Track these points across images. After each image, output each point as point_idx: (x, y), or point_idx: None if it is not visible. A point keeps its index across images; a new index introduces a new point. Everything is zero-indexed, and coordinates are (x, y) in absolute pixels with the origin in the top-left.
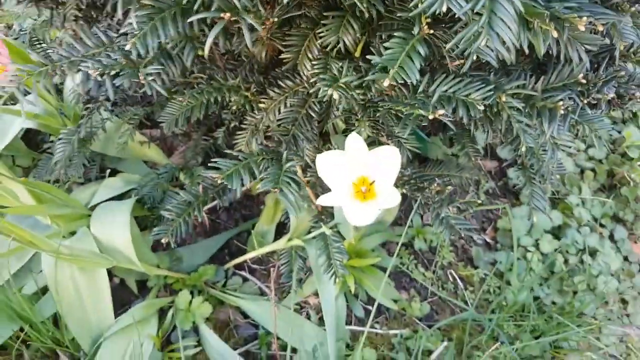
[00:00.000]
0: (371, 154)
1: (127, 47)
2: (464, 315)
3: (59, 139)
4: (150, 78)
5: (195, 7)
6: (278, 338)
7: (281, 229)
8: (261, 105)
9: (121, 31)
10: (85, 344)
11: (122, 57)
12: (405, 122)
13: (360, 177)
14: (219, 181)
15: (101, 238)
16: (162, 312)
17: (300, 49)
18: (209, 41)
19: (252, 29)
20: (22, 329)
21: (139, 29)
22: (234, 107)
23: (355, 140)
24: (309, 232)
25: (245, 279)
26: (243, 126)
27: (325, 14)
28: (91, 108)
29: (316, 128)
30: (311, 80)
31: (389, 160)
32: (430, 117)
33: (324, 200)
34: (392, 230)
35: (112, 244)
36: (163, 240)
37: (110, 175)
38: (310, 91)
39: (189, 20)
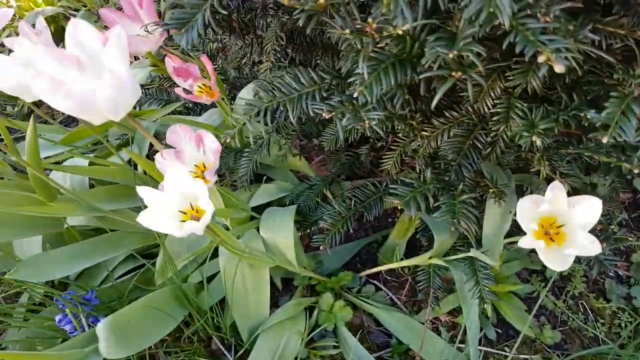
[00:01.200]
0: (571, 203)
1: (355, 95)
2: (602, 349)
3: (244, 156)
4: (373, 122)
5: (427, 64)
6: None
7: (410, 243)
8: (424, 133)
9: (348, 80)
10: (244, 333)
11: (347, 102)
12: (605, 171)
13: (546, 219)
14: (399, 207)
15: (268, 239)
16: (306, 311)
17: (482, 88)
18: (438, 96)
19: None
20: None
21: (362, 80)
22: (400, 134)
23: (557, 189)
24: (447, 254)
25: (377, 288)
26: (392, 147)
27: (515, 59)
28: (270, 130)
29: (480, 158)
30: (494, 118)
31: (589, 210)
32: (636, 170)
33: (524, 243)
34: (529, 257)
35: (276, 245)
36: (321, 248)
37: (265, 181)
38: (492, 128)
39: (421, 76)
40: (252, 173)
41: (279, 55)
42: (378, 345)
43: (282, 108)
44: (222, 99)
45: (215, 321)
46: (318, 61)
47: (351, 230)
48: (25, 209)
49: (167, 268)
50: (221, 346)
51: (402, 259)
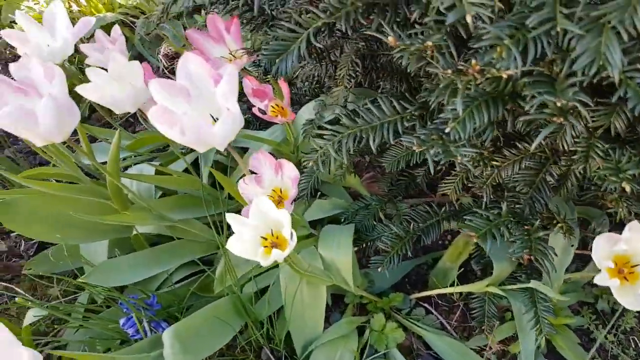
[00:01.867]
0: None
1: (447, 130)
2: None
3: (305, 173)
4: (465, 159)
5: (529, 107)
6: None
7: (461, 267)
8: (494, 162)
9: (439, 115)
10: (299, 346)
11: (437, 136)
12: None
13: (621, 257)
14: (474, 240)
15: (326, 258)
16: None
17: (562, 126)
18: (539, 139)
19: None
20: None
21: (455, 116)
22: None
23: (635, 230)
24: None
25: (427, 311)
26: (453, 172)
27: (599, 100)
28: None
29: (551, 192)
30: (574, 157)
31: None
32: None
33: (600, 280)
34: (583, 290)
35: (335, 264)
36: (379, 269)
37: (319, 197)
38: (566, 164)
39: (520, 119)
40: (311, 188)
41: (352, 80)
42: None
43: (363, 136)
44: None
45: (269, 332)
46: (385, 84)
47: (409, 253)
48: (105, 218)
49: (226, 277)
50: (272, 357)
51: (453, 284)
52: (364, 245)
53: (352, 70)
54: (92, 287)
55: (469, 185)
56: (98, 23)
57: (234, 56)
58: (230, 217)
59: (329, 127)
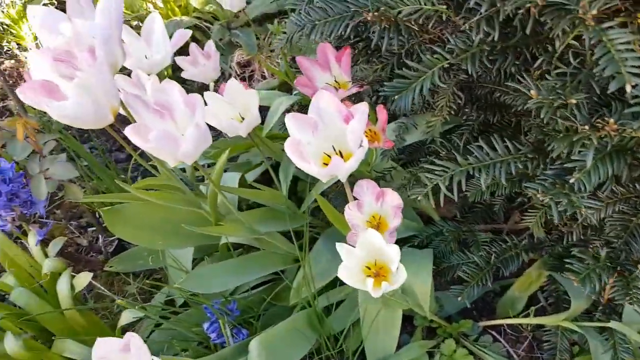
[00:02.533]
0: None
1: (572, 181)
2: None
3: None
4: (590, 212)
5: None
6: None
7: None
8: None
9: (564, 164)
10: None
11: (559, 185)
12: None
13: None
14: (575, 284)
15: (405, 282)
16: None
17: None
18: None
19: None
20: None
21: (580, 167)
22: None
23: None
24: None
25: (495, 339)
26: (537, 206)
27: None
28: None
29: None
30: None
31: None
32: None
33: None
34: None
35: (412, 289)
36: (459, 299)
37: None
38: None
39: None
40: None
41: (452, 112)
42: None
43: (476, 174)
44: None
45: (340, 347)
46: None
47: (489, 284)
48: (208, 229)
49: (302, 289)
50: None
51: (520, 313)
52: (442, 271)
53: (453, 102)
54: (180, 290)
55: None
56: (175, 26)
57: (338, 84)
58: (339, 247)
59: (438, 162)
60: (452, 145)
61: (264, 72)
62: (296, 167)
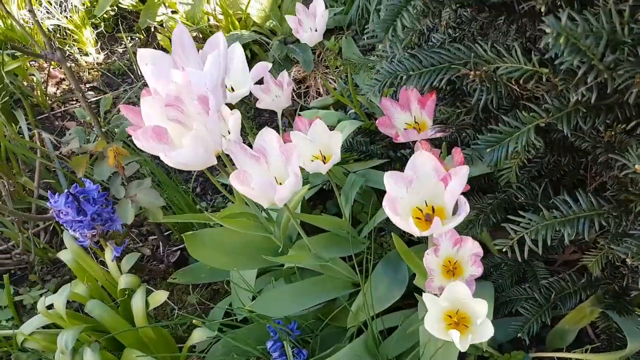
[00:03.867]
0: None
1: None
2: None
3: None
4: None
5: None
6: None
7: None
8: None
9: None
10: None
11: None
12: None
13: None
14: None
15: None
16: None
17: None
18: None
19: None
20: None
21: None
22: None
23: None
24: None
25: None
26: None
27: None
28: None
29: None
30: None
31: None
32: None
33: None
34: None
35: None
36: (519, 335)
37: None
38: None
39: None
40: None
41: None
42: None
43: (560, 229)
44: None
45: None
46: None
47: (548, 322)
48: (280, 259)
49: (359, 314)
50: None
51: (570, 346)
52: (500, 306)
53: (532, 147)
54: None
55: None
56: (235, 39)
57: (417, 124)
58: (425, 297)
59: (525, 214)
60: (532, 192)
61: (319, 89)
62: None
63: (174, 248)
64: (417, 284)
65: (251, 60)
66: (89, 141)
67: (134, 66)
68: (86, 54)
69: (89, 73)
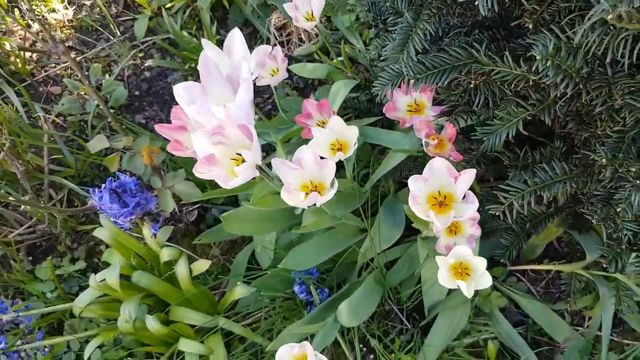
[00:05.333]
0: None
1: (618, 210)
2: None
3: None
4: (630, 233)
5: None
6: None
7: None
8: None
9: None
10: (426, 309)
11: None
12: None
13: None
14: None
15: None
16: None
17: None
18: None
19: None
20: None
21: None
22: None
23: None
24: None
25: (518, 279)
26: None
27: None
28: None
29: None
30: None
31: None
32: None
33: None
34: None
35: None
36: (501, 261)
37: None
38: None
39: None
40: None
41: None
42: (515, 322)
43: (541, 193)
44: None
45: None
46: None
47: (524, 247)
48: (308, 227)
49: (366, 254)
50: (402, 317)
51: (539, 258)
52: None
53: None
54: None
55: None
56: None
57: (417, 105)
58: (438, 259)
59: (511, 183)
60: (513, 154)
61: (300, 35)
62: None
63: (191, 208)
64: (415, 226)
65: (227, 10)
66: (84, 108)
67: (107, 19)
68: (54, 11)
69: (61, 32)
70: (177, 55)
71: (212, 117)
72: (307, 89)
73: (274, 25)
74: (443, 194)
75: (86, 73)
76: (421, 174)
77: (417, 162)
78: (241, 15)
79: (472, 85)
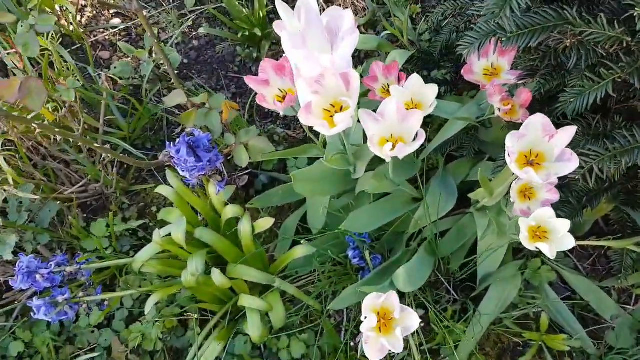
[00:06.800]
0: None
1: None
2: None
3: None
4: None
5: None
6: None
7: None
8: None
9: None
10: (479, 280)
11: None
12: None
13: None
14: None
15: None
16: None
17: None
18: None
19: None
20: None
21: None
22: None
23: None
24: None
25: (566, 255)
26: None
27: None
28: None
29: None
30: None
31: None
32: None
33: None
34: None
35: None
36: None
37: None
38: None
39: None
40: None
41: None
42: (562, 298)
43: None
44: None
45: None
46: None
47: (581, 220)
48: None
49: (418, 222)
50: (450, 288)
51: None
52: None
53: None
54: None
55: None
56: None
57: (495, 69)
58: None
59: (593, 148)
60: (586, 123)
61: (346, 8)
62: None
63: (241, 173)
64: (472, 196)
65: None
66: (136, 72)
67: None
68: None
69: None
70: (227, 24)
71: (317, 65)
72: (353, 62)
73: None
74: (535, 152)
75: (139, 40)
76: (475, 147)
77: (469, 135)
78: None
79: (565, 45)
